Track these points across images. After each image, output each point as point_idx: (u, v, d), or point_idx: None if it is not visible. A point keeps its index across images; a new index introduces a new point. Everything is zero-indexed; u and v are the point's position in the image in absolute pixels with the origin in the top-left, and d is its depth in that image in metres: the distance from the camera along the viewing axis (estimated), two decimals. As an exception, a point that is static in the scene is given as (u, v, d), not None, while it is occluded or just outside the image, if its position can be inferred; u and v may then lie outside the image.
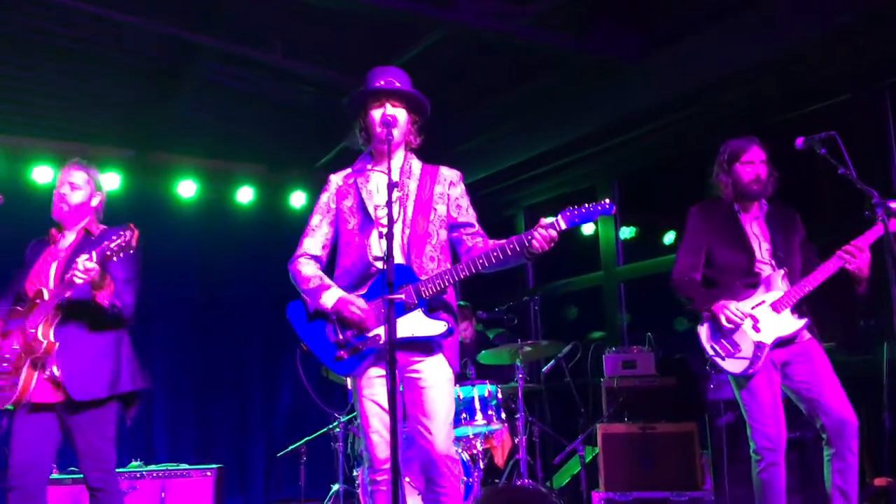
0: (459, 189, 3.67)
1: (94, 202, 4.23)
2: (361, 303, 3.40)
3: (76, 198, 4.14)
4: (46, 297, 3.84)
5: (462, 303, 6.98)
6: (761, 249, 4.22)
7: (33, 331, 3.81)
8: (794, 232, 4.26)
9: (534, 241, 3.28)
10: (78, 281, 3.68)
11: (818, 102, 6.02)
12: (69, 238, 4.15)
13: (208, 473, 6.19)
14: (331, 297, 3.43)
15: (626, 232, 7.84)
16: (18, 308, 3.99)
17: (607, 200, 3.35)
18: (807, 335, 4.14)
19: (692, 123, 6.71)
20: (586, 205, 3.34)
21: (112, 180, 7.55)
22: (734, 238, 4.25)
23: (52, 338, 3.82)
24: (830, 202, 6.01)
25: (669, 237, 7.70)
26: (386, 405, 3.32)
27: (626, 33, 6.32)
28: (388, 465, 3.36)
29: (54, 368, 3.83)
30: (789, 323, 4.08)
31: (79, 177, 4.17)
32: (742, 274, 4.21)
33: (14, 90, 6.93)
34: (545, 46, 6.27)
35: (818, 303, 4.20)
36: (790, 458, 4.25)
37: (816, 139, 3.95)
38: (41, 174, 7.22)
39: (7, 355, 3.86)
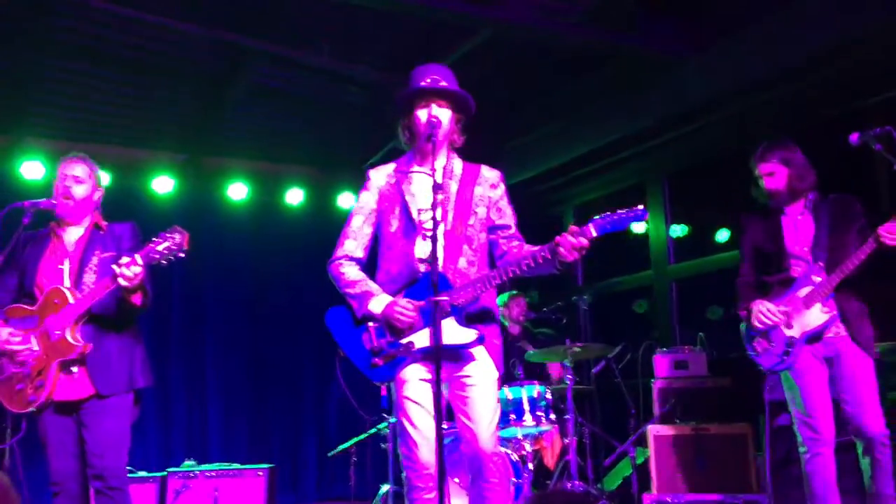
0: (500, 190, 3.63)
1: (97, 196, 4.08)
2: (411, 306, 3.37)
3: (80, 191, 3.98)
4: (72, 299, 3.79)
5: (514, 291, 6.94)
6: (799, 245, 4.26)
7: (59, 333, 3.76)
8: (848, 222, 4.21)
9: (559, 248, 3.21)
10: (124, 284, 3.62)
11: (874, 96, 5.88)
12: (75, 233, 4.03)
13: (260, 473, 6.25)
14: (380, 303, 3.41)
15: (677, 230, 7.73)
16: (23, 306, 3.92)
17: (640, 206, 3.25)
18: (842, 332, 4.14)
19: (744, 119, 6.60)
20: (619, 211, 3.24)
21: (165, 184, 7.69)
22: (770, 237, 4.36)
23: (82, 340, 3.78)
24: (890, 194, 5.87)
25: (722, 235, 7.58)
26: (427, 406, 3.33)
27: (676, 28, 6.25)
28: (431, 470, 3.32)
29: (74, 368, 3.81)
30: (816, 317, 4.14)
31: (81, 170, 4.00)
32: (776, 271, 4.32)
33: (67, 96, 7.05)
34: (594, 43, 6.22)
35: (874, 301, 4.18)
36: (848, 459, 4.25)
37: (872, 135, 3.91)
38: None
39: (26, 357, 3.80)
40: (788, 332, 4.18)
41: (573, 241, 3.20)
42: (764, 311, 4.21)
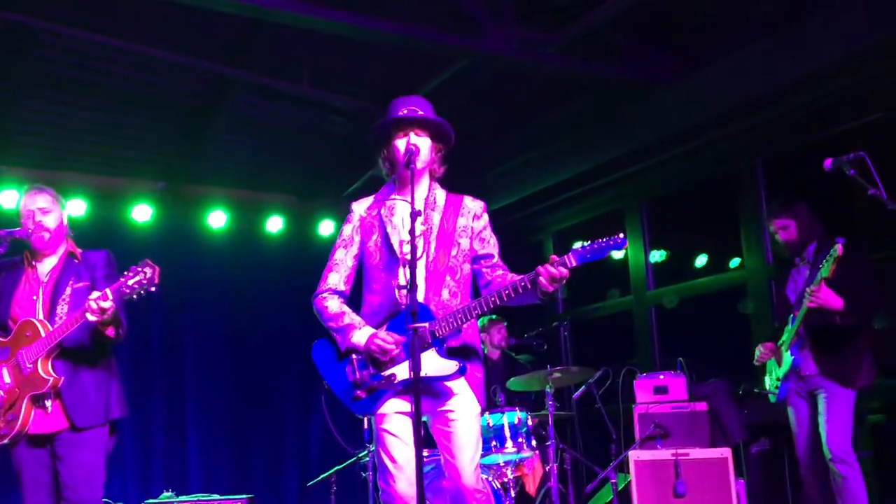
0: (483, 221, 3.63)
1: (65, 220, 4.09)
2: (392, 338, 3.36)
3: (52, 221, 3.99)
4: (43, 332, 3.77)
5: (494, 316, 6.94)
6: (795, 294, 4.77)
7: (31, 366, 3.75)
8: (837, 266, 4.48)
9: (540, 278, 3.20)
10: (92, 319, 3.62)
11: (853, 121, 5.97)
12: (49, 262, 4.03)
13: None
14: (362, 335, 3.41)
15: (656, 255, 7.78)
16: None
17: (620, 235, 3.25)
18: (814, 370, 4.65)
19: (722, 145, 6.69)
20: (599, 240, 3.24)
21: (144, 212, 7.65)
22: (782, 288, 4.98)
23: (55, 373, 3.76)
24: (867, 219, 5.94)
25: (700, 260, 7.63)
26: (407, 438, 3.33)
27: (655, 56, 6.30)
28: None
29: (48, 403, 3.79)
30: (787, 358, 4.76)
31: (44, 200, 4.01)
32: (782, 319, 4.90)
33: (48, 125, 7.04)
34: (574, 72, 6.28)
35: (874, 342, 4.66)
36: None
37: (845, 160, 3.96)
38: (74, 208, 7.27)
39: None
40: (777, 372, 4.84)
41: (553, 272, 3.19)
42: (759, 350, 4.91)
